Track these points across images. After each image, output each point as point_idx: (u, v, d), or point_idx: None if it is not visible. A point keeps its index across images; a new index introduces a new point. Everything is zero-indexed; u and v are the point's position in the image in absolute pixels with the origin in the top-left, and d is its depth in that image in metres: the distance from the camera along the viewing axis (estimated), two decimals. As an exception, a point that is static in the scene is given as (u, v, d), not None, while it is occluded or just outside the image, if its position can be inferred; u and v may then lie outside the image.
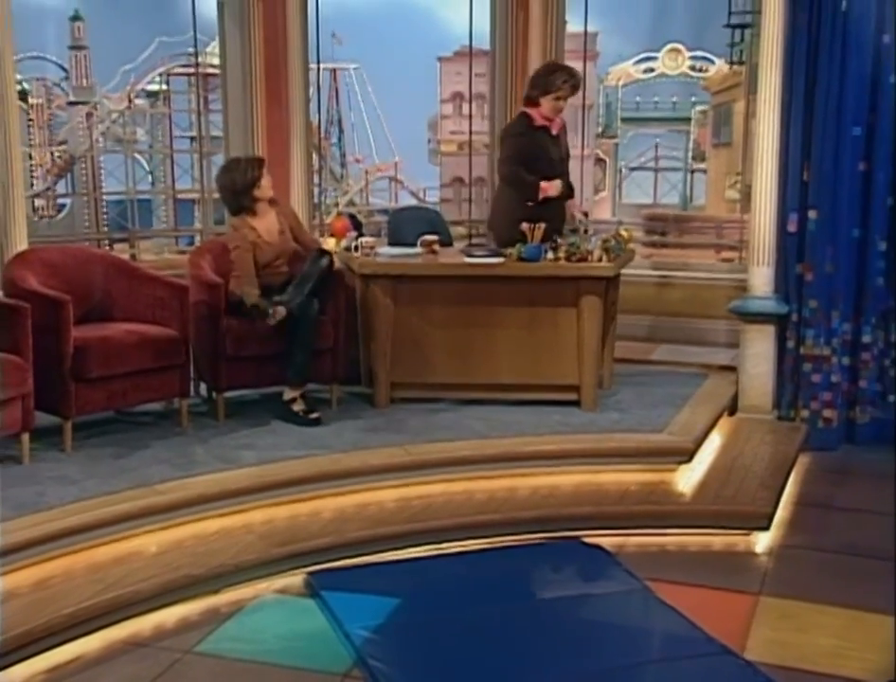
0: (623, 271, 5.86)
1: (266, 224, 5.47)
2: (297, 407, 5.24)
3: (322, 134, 16.82)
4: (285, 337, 5.17)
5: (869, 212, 5.70)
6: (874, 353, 5.81)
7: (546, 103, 5.74)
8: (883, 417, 5.84)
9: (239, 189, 5.40)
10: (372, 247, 5.66)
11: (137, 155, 15.71)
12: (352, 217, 6.44)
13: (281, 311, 5.09)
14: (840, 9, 5.59)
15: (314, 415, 5.23)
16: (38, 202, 15.21)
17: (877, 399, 5.85)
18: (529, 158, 5.71)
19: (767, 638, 3.68)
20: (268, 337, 5.20)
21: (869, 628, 3.78)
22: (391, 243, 6.14)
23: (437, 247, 5.68)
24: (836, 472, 5.51)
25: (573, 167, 8.39)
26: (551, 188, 5.68)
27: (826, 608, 3.92)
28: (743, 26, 13.88)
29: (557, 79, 5.73)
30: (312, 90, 8.22)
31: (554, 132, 5.83)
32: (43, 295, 4.77)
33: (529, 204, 5.66)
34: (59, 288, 4.90)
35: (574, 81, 5.77)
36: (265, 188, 5.43)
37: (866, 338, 5.79)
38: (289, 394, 5.26)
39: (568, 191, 5.85)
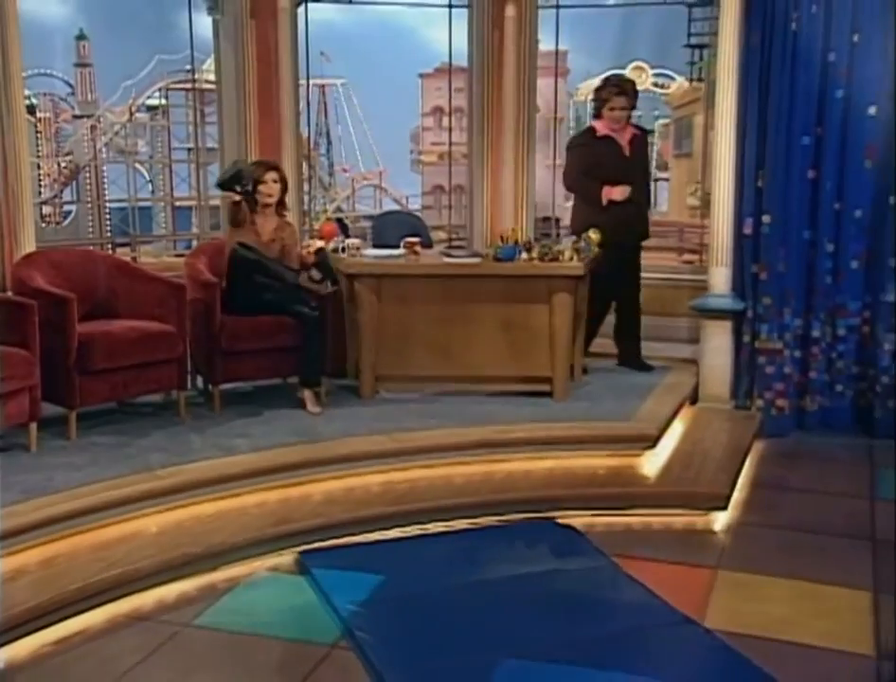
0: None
1: (266, 225, 5.47)
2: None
3: (311, 146, 16.76)
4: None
5: (818, 216, 5.73)
6: (823, 347, 5.84)
7: (606, 114, 5.88)
8: (830, 405, 5.88)
9: (242, 176, 5.41)
10: (358, 248, 5.66)
11: (138, 165, 15.61)
12: (340, 221, 6.41)
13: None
14: (790, 30, 5.62)
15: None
16: (46, 209, 15.09)
17: (825, 389, 5.88)
18: (590, 166, 5.77)
19: (724, 608, 3.71)
20: (261, 333, 5.19)
21: (816, 597, 3.82)
22: (376, 245, 6.13)
23: (418, 248, 5.67)
24: (788, 456, 5.53)
25: (546, 176, 8.40)
26: (615, 191, 5.72)
27: (777, 580, 3.96)
28: (701, 46, 13.95)
29: (604, 91, 5.89)
30: (302, 104, 8.19)
31: (622, 141, 5.86)
32: (49, 293, 4.75)
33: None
34: (64, 287, 4.89)
35: (618, 90, 5.84)
36: (265, 190, 5.42)
37: (815, 333, 5.83)
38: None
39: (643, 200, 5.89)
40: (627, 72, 15.32)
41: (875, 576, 4.01)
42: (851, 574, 4.00)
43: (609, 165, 5.77)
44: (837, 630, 3.56)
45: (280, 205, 5.55)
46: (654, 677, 3.21)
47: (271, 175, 5.45)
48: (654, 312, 7.05)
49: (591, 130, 6.03)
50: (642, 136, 6.05)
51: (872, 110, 5.59)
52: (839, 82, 5.60)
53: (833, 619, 3.65)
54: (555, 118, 12.78)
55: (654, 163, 18.17)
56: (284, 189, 5.55)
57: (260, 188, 5.42)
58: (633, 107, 5.96)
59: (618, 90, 5.86)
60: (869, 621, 3.64)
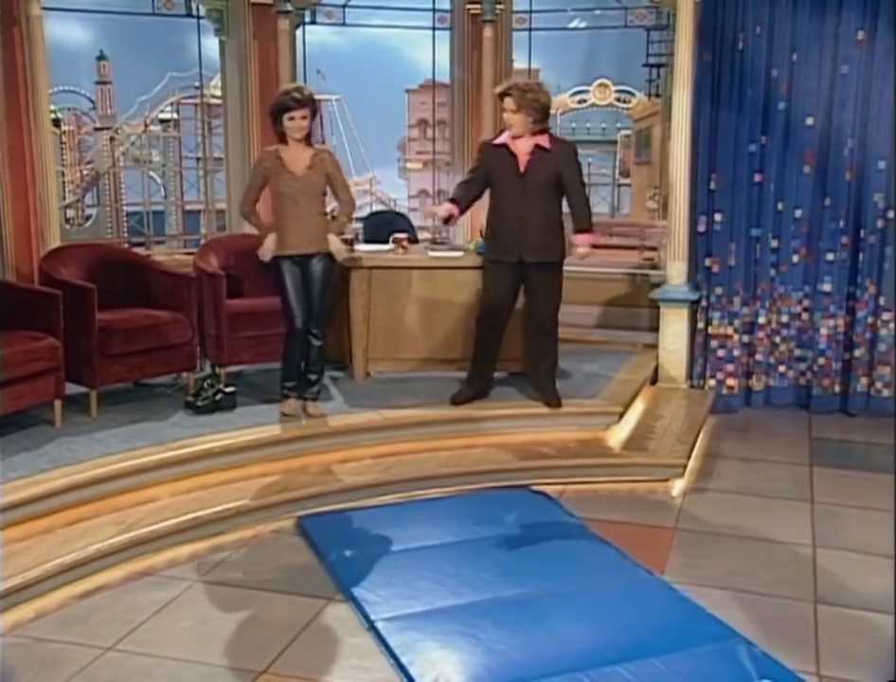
0: (565, 268, 5.81)
1: (295, 155, 4.59)
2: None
3: (309, 155, 16.68)
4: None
5: (763, 215, 5.76)
6: (768, 332, 5.87)
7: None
8: (774, 384, 5.92)
9: (273, 111, 4.58)
10: (351, 242, 5.61)
11: (152, 173, 15.46)
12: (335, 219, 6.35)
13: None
14: (737, 49, 5.64)
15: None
16: (69, 212, 14.92)
17: (770, 370, 5.92)
18: (478, 172, 4.90)
19: (681, 563, 3.73)
20: (263, 320, 5.15)
21: (762, 552, 3.85)
22: (367, 241, 6.09)
23: (405, 243, 5.63)
24: (737, 430, 5.55)
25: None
26: (433, 210, 5.06)
27: (728, 538, 3.99)
28: (658, 66, 13.96)
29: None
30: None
31: (518, 152, 4.72)
32: (72, 284, 4.72)
33: None
34: (85, 279, 4.85)
35: (503, 90, 4.69)
36: (295, 125, 4.52)
37: (761, 320, 5.85)
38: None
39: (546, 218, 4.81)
40: (593, 88, 15.14)
41: (813, 532, 4.05)
42: (792, 531, 4.04)
43: (499, 176, 4.75)
44: (781, 580, 3.59)
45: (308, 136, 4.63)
46: (619, 625, 3.22)
47: (300, 113, 4.51)
48: (619, 303, 7.11)
49: (497, 136, 4.93)
50: (555, 150, 4.72)
51: (810, 121, 5.62)
52: (781, 96, 5.63)
53: (777, 570, 3.68)
54: (528, 130, 12.76)
55: (617, 169, 18.11)
56: (312, 120, 4.60)
57: (289, 121, 4.52)
58: (529, 114, 4.63)
59: (502, 90, 4.66)
60: (810, 572, 3.67)
